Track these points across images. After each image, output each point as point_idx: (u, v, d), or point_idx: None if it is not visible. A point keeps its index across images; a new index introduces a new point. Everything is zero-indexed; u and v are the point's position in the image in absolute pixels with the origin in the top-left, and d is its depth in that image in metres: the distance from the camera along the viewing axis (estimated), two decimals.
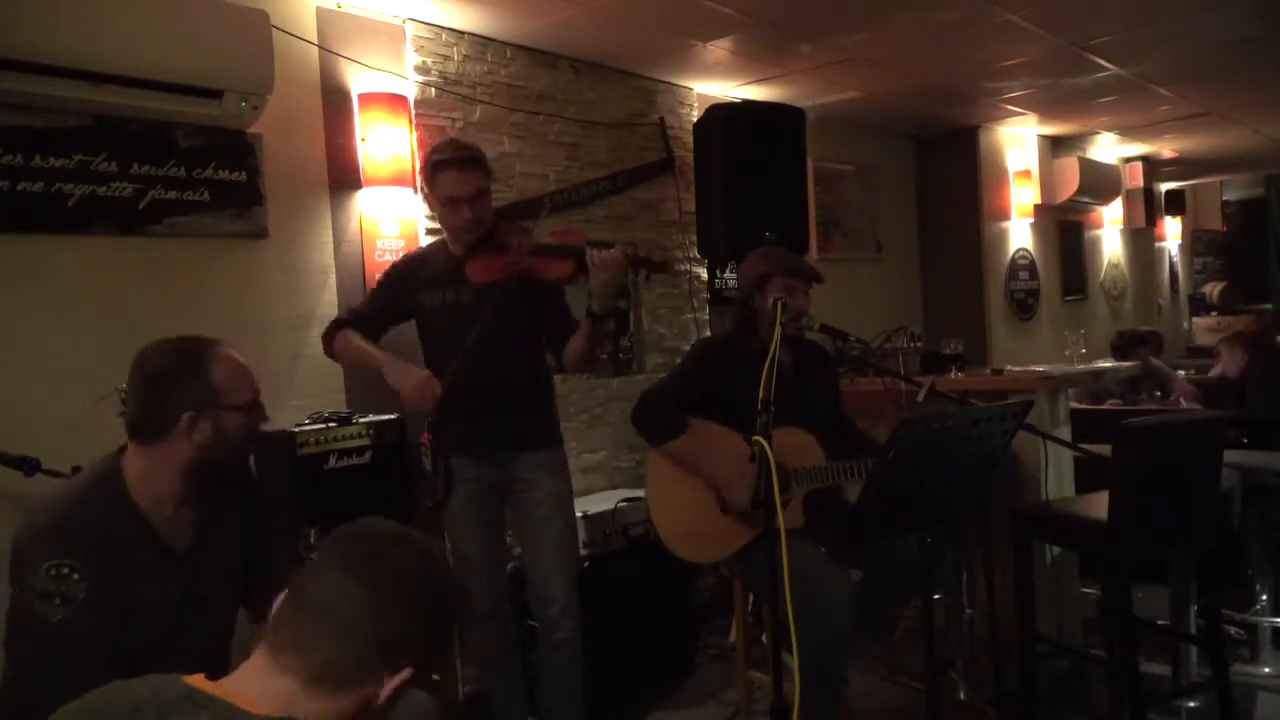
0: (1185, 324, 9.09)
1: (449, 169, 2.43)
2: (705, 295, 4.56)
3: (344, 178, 3.18)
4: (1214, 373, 5.59)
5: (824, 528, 2.48)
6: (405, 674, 1.04)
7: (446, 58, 3.53)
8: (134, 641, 1.51)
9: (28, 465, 2.22)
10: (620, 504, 3.41)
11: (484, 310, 2.37)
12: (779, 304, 2.38)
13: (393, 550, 1.07)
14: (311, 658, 1.00)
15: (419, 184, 3.33)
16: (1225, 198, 10.16)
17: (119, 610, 1.49)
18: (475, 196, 2.44)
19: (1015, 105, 5.56)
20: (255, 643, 1.06)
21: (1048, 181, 6.64)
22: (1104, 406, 4.76)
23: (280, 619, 1.05)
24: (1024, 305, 6.53)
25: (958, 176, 6.08)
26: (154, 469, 1.59)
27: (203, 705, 0.96)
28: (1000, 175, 6.27)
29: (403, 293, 2.59)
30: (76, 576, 1.44)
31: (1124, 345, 5.49)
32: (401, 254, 3.05)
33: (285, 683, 1.00)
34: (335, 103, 3.16)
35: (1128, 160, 7.79)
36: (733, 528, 2.53)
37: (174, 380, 1.57)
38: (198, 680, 1.00)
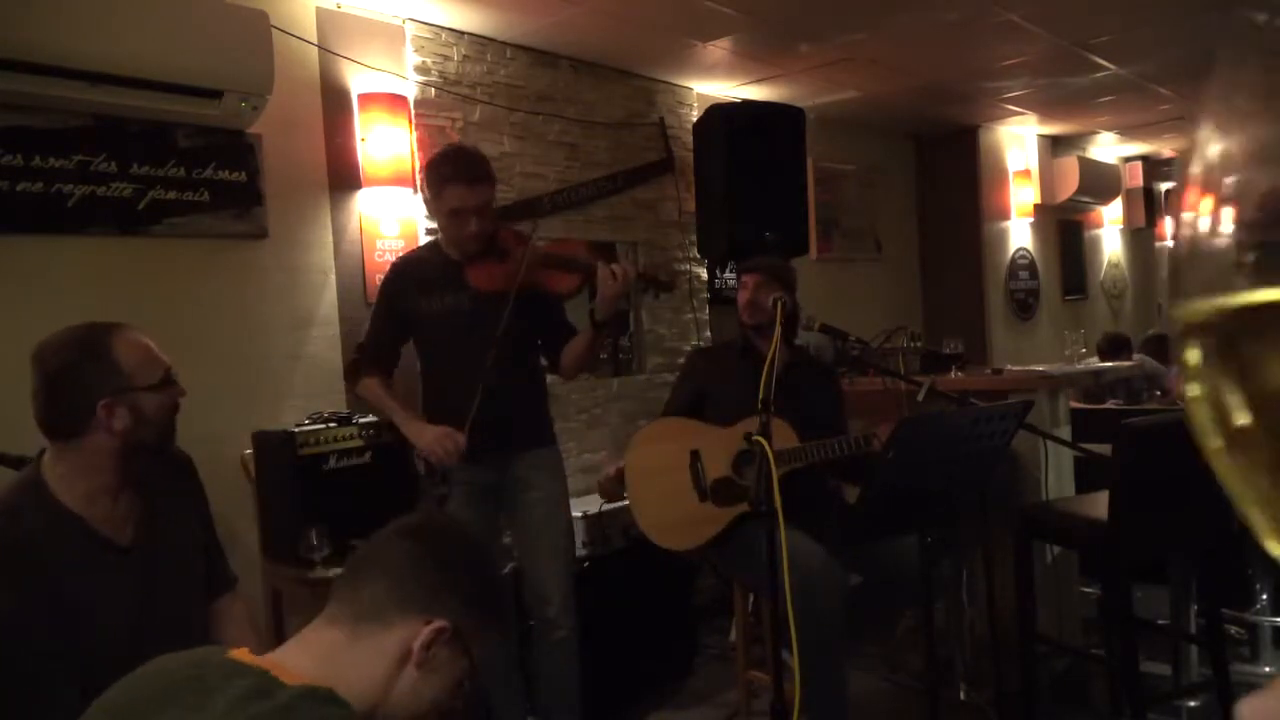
0: None
1: (457, 184, 2.39)
2: (705, 295, 4.56)
3: (344, 178, 3.18)
4: None
5: (823, 528, 2.48)
6: (440, 623, 1.08)
7: (446, 58, 3.53)
8: (91, 645, 1.46)
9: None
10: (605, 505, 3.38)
11: (485, 317, 2.39)
12: (778, 304, 2.38)
13: (438, 520, 1.24)
14: (356, 598, 1.08)
15: (419, 185, 3.32)
16: None
17: (64, 612, 1.45)
18: (481, 209, 2.43)
19: (1015, 105, 5.56)
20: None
21: (1048, 181, 6.64)
22: (1104, 406, 4.76)
23: (336, 580, 1.14)
24: (1024, 305, 6.53)
25: (958, 176, 6.08)
26: (80, 466, 1.53)
27: (242, 673, 0.98)
28: (1000, 175, 6.27)
29: (400, 303, 2.56)
30: None
31: (1106, 349, 5.54)
32: (400, 254, 3.04)
33: (330, 634, 1.06)
34: (335, 103, 3.16)
35: (1128, 160, 7.79)
36: (711, 513, 2.60)
37: (80, 372, 1.50)
38: (241, 654, 1.03)
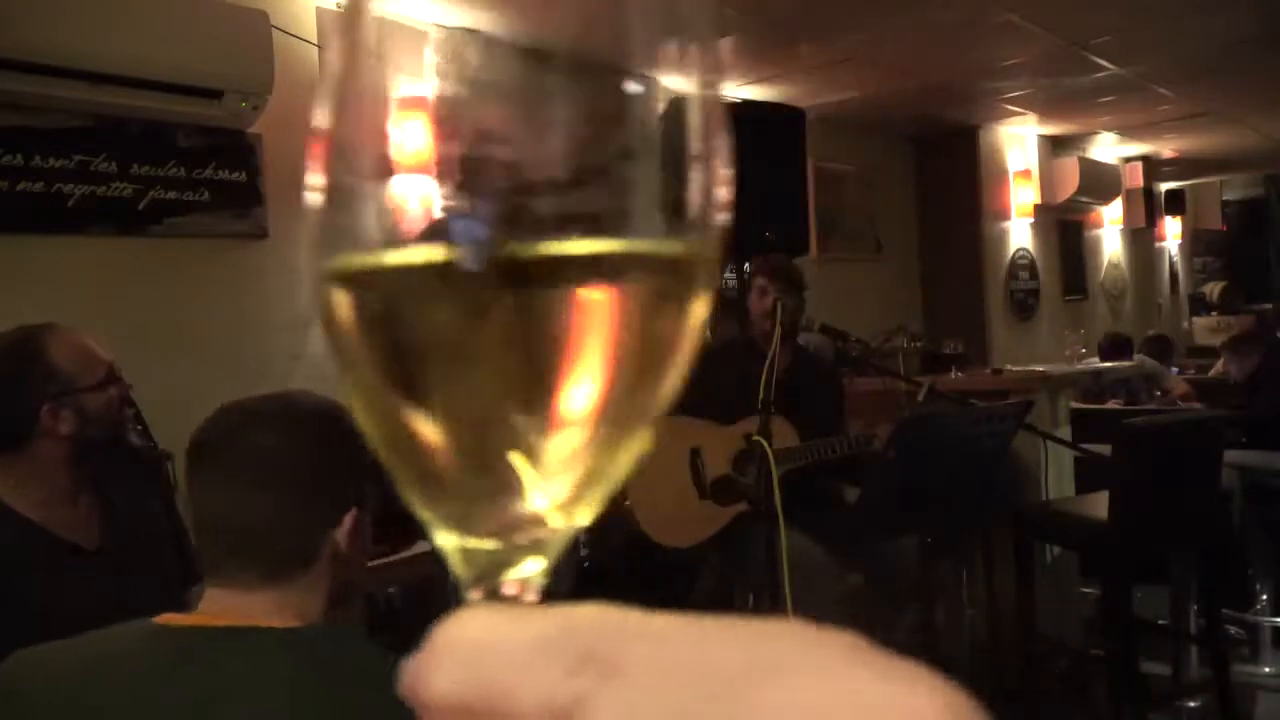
0: (1185, 324, 9.08)
1: None
2: None
3: None
4: (1214, 372, 5.60)
5: (823, 528, 2.49)
6: (353, 515, 1.00)
7: None
8: None
9: None
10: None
11: None
12: (778, 305, 2.39)
13: (232, 441, 1.00)
14: (259, 565, 0.95)
15: None
16: (1225, 198, 10.15)
17: (36, 620, 1.38)
18: None
19: (1015, 105, 5.56)
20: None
21: (1048, 181, 6.63)
22: (1104, 406, 4.76)
23: (204, 554, 1.01)
24: (1024, 305, 6.53)
25: (957, 176, 6.08)
26: (30, 474, 1.48)
27: (236, 636, 0.89)
28: (1000, 175, 6.27)
29: None
30: None
31: (1106, 349, 5.56)
32: None
33: (260, 596, 0.94)
34: None
35: (1128, 160, 7.78)
36: (711, 511, 2.61)
37: (17, 381, 1.44)
38: (173, 619, 0.92)
